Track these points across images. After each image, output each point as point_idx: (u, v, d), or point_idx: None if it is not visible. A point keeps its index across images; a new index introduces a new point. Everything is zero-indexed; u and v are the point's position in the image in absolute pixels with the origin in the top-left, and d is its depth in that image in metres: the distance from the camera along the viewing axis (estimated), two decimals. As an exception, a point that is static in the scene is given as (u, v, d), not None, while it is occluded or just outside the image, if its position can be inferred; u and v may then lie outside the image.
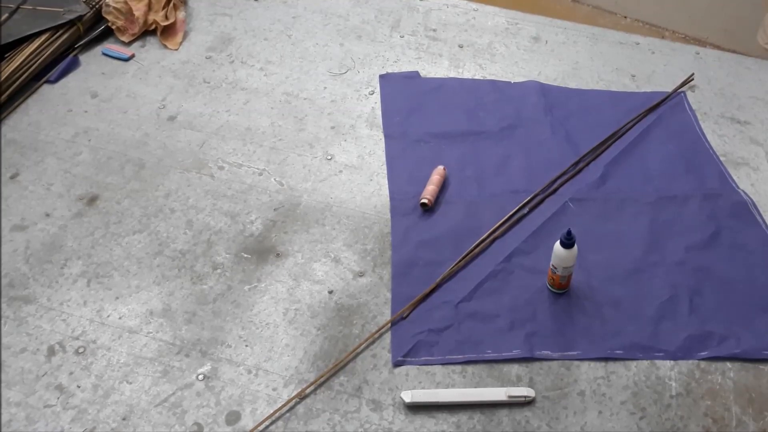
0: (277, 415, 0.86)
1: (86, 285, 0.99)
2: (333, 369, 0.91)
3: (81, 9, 1.41)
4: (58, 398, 0.87)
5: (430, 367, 0.92)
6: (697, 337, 0.95)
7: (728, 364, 0.93)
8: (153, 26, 1.44)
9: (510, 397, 0.88)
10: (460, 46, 1.46)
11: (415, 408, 0.87)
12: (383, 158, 1.21)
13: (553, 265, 0.97)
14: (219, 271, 1.02)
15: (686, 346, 0.95)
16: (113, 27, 1.42)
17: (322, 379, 0.90)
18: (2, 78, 1.25)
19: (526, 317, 0.97)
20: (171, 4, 1.46)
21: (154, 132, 1.24)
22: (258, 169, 1.18)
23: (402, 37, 1.49)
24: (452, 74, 1.39)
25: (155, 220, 1.09)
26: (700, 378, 0.92)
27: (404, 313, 0.97)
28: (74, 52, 1.38)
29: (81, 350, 0.92)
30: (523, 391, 0.88)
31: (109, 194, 1.12)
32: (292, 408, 0.87)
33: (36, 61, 1.31)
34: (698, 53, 1.47)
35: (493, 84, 1.37)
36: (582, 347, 0.94)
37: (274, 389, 0.89)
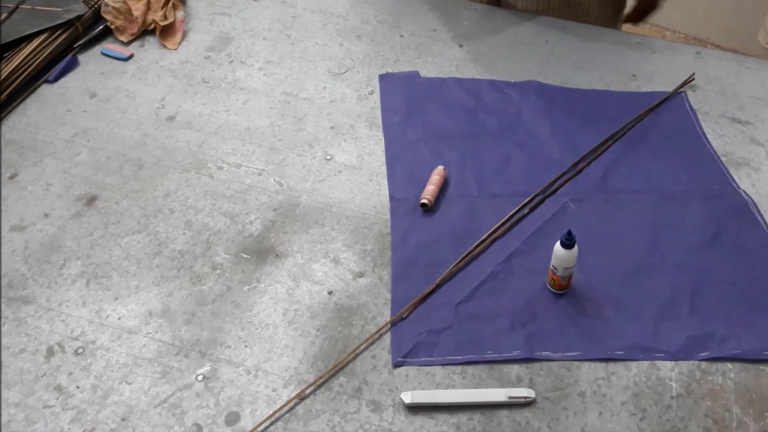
0: (276, 415, 0.86)
1: (85, 285, 0.99)
2: (333, 370, 0.91)
3: (80, 9, 1.40)
4: (58, 399, 0.87)
5: (430, 367, 0.92)
6: (698, 338, 0.95)
7: (729, 365, 0.93)
8: (152, 26, 1.44)
9: (510, 398, 0.88)
10: (460, 46, 1.46)
11: (415, 409, 0.87)
12: (383, 158, 1.21)
13: (553, 266, 0.97)
14: (218, 271, 1.02)
15: (687, 346, 0.94)
16: (112, 27, 1.42)
17: (321, 380, 0.90)
18: (1, 78, 1.24)
19: (527, 318, 0.97)
20: (170, 4, 1.46)
21: (153, 132, 1.23)
22: (257, 169, 1.18)
23: (402, 37, 1.48)
24: (452, 74, 1.39)
25: (154, 221, 1.08)
26: (701, 379, 0.92)
27: (404, 314, 0.97)
28: (73, 52, 1.38)
29: (80, 351, 0.91)
30: (523, 392, 0.88)
31: (108, 194, 1.12)
32: (291, 409, 0.87)
33: (35, 61, 1.30)
34: (699, 53, 1.47)
35: (493, 84, 1.37)
36: (582, 348, 0.94)
37: (273, 390, 0.89)
